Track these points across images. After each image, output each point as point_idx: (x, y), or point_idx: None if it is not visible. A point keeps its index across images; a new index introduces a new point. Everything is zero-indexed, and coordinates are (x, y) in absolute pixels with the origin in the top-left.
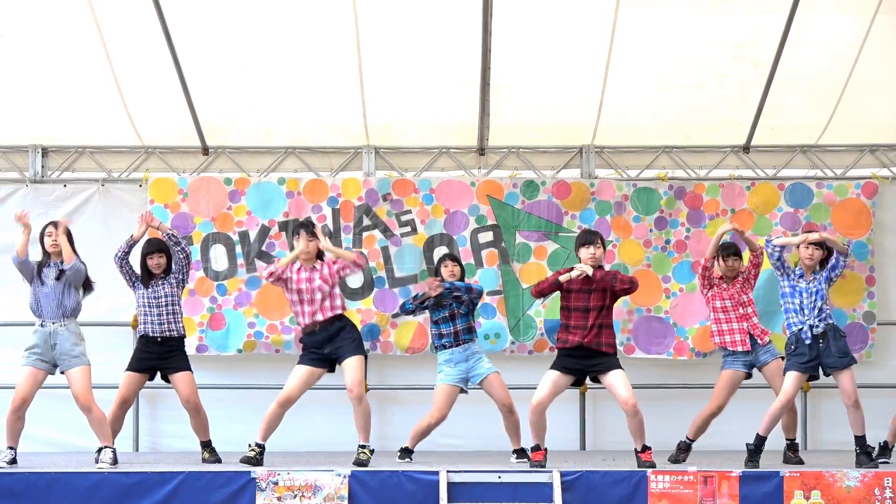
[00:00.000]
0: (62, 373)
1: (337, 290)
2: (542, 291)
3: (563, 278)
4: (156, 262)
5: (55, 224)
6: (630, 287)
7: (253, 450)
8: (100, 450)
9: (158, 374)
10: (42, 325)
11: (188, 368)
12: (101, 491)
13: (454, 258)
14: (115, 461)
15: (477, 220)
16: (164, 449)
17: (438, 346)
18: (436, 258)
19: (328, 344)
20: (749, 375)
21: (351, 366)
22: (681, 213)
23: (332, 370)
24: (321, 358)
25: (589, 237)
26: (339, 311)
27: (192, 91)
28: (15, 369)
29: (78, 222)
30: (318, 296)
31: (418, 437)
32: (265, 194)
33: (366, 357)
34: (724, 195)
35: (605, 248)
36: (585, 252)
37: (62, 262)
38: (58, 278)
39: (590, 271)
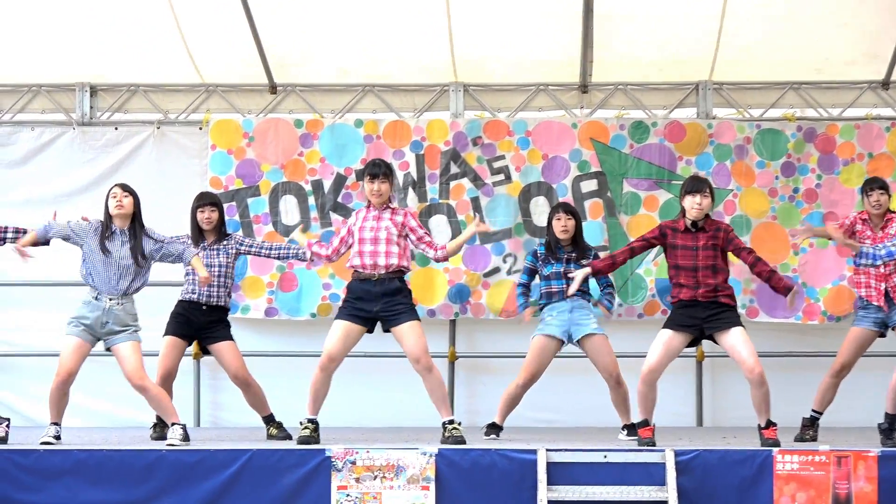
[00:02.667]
0: (107, 349)
1: (407, 246)
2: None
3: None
4: (207, 216)
5: (122, 187)
6: (752, 266)
7: (307, 427)
8: (155, 425)
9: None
10: (96, 299)
11: (231, 338)
12: (158, 470)
13: (568, 209)
14: (186, 438)
15: (579, 166)
16: (228, 424)
17: (544, 304)
18: (532, 210)
19: (381, 300)
20: (882, 335)
21: (414, 332)
22: (811, 158)
23: (371, 331)
24: (365, 316)
25: (695, 185)
26: (403, 270)
27: (259, 22)
28: (58, 335)
29: (130, 169)
30: (383, 235)
31: (508, 405)
32: (340, 138)
33: None
34: (860, 137)
35: (713, 198)
36: (690, 201)
37: (131, 231)
38: (129, 245)
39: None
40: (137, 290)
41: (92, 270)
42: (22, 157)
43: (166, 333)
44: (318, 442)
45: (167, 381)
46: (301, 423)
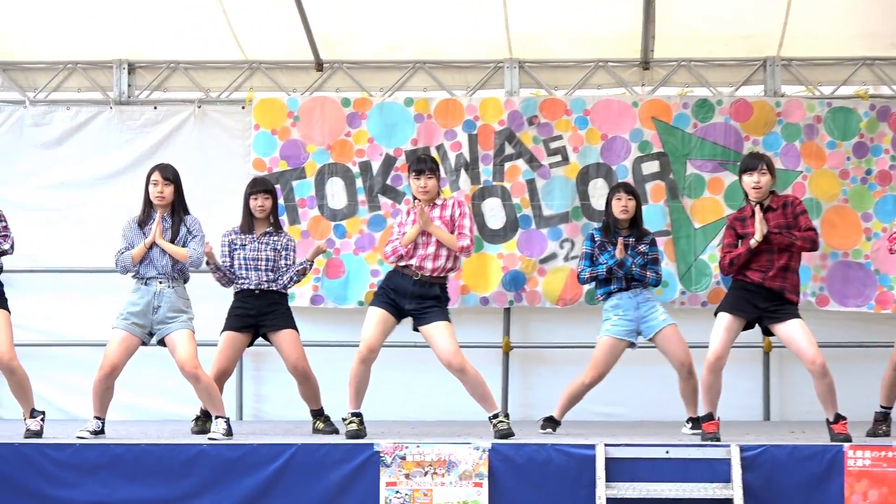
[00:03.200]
0: (160, 342)
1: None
2: (737, 265)
3: (753, 244)
4: (260, 203)
5: (162, 171)
6: (806, 247)
7: (352, 421)
8: (197, 418)
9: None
10: (145, 284)
11: (294, 327)
12: (199, 466)
13: (629, 189)
14: (229, 432)
15: (640, 146)
16: (271, 417)
17: (603, 295)
18: (591, 192)
19: (416, 300)
20: None
21: (446, 332)
22: (884, 138)
23: (397, 323)
24: (398, 307)
25: (750, 162)
26: (450, 270)
27: None
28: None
29: (170, 151)
30: (434, 239)
31: (570, 402)
32: (390, 117)
33: None
34: None
35: (773, 174)
36: (748, 181)
37: (172, 217)
38: (171, 234)
39: (761, 232)
40: (184, 271)
41: (147, 255)
42: (57, 137)
43: (223, 330)
44: (364, 436)
45: (220, 379)
46: (344, 419)
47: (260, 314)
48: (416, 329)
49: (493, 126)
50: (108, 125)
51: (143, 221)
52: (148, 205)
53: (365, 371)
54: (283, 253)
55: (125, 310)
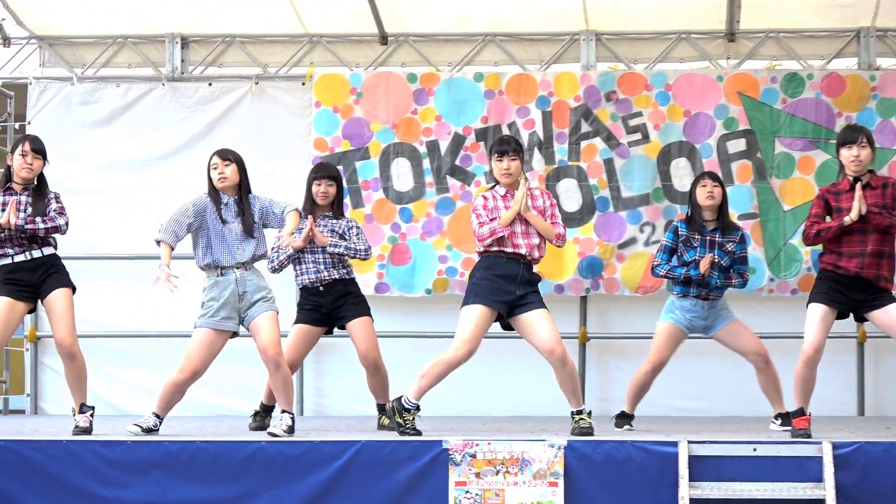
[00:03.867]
0: (248, 329)
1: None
2: (824, 238)
3: (847, 220)
4: (323, 189)
5: (222, 154)
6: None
7: (411, 413)
8: (256, 413)
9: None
10: (222, 274)
11: (368, 314)
12: (257, 464)
13: (714, 176)
14: (291, 430)
15: (725, 123)
16: (333, 413)
17: (679, 293)
18: (673, 172)
19: (524, 286)
20: None
21: (549, 319)
22: None
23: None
24: (504, 300)
25: (850, 135)
26: (539, 257)
27: None
28: (155, 315)
29: (225, 130)
30: (521, 226)
31: (638, 393)
32: (459, 94)
33: None
34: None
35: (873, 148)
36: (847, 154)
37: (240, 200)
38: (241, 216)
39: (859, 210)
40: (260, 258)
41: (211, 245)
42: (107, 115)
43: (295, 322)
44: (419, 433)
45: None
46: (406, 409)
47: (331, 309)
48: (507, 319)
49: (569, 102)
50: (160, 103)
51: (219, 207)
52: (215, 190)
53: (444, 374)
54: (347, 234)
55: (208, 306)
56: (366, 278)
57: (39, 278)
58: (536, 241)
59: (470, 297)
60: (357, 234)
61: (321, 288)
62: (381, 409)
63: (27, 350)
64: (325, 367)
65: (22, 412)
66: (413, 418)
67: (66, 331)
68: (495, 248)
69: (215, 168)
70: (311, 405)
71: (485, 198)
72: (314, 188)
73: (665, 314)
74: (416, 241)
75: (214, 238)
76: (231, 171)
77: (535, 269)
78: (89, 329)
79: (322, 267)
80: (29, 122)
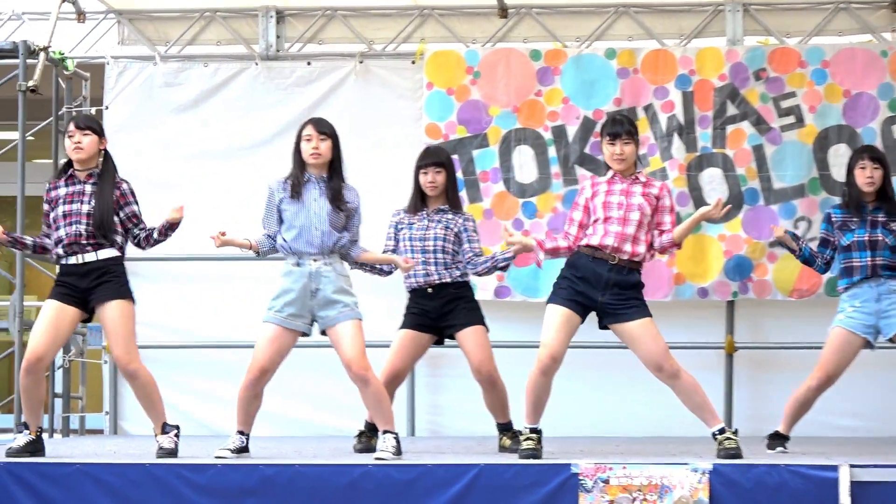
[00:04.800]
0: (323, 332)
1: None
2: None
3: None
4: (430, 178)
5: (317, 125)
6: None
7: (528, 438)
8: (360, 434)
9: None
10: (298, 265)
11: (481, 322)
12: (364, 490)
13: (874, 155)
14: (398, 451)
15: (891, 104)
16: (449, 432)
17: (845, 286)
18: (831, 161)
19: (611, 291)
20: None
21: (649, 333)
22: None
23: (582, 321)
24: (585, 303)
25: None
26: (644, 260)
27: None
28: (247, 322)
29: (326, 114)
30: (636, 216)
31: (796, 413)
32: (588, 72)
33: None
34: None
35: None
36: None
37: (329, 180)
38: (330, 199)
39: None
40: (345, 247)
41: (287, 230)
42: (193, 99)
43: (400, 327)
44: (539, 456)
45: (392, 383)
46: (519, 434)
47: (439, 315)
48: (605, 327)
49: (713, 82)
50: (253, 84)
51: (296, 185)
52: (301, 166)
53: (546, 384)
54: (464, 235)
55: (277, 298)
56: (485, 281)
57: (89, 285)
58: (632, 233)
59: (549, 295)
60: (474, 230)
61: (430, 290)
62: (503, 428)
63: (105, 362)
64: (442, 382)
65: (100, 432)
66: (537, 440)
67: (120, 348)
68: (584, 244)
69: (308, 140)
70: (425, 424)
71: (590, 187)
72: (421, 178)
73: (834, 320)
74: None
75: (292, 223)
76: (326, 147)
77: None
78: (172, 339)
79: (433, 268)
80: (106, 107)
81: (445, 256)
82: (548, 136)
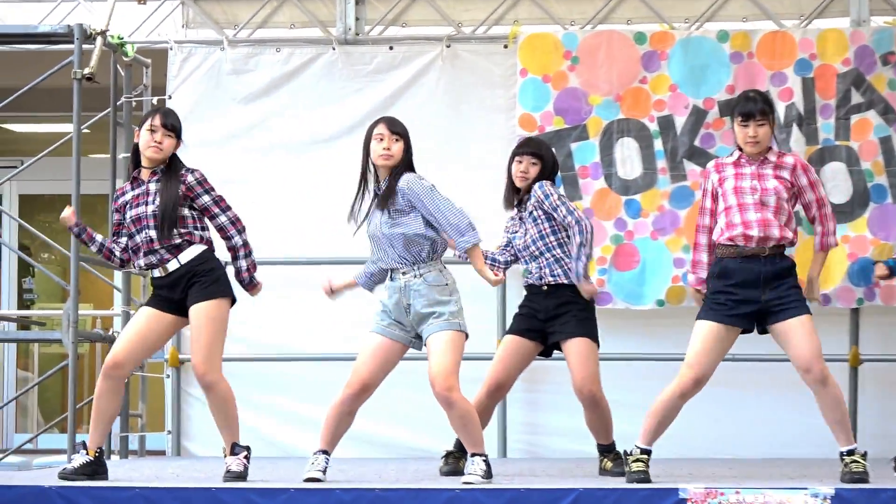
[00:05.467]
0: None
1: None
2: None
3: None
4: (524, 168)
5: (390, 124)
6: None
7: (639, 459)
8: (448, 454)
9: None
10: (392, 279)
11: (589, 335)
12: None
13: None
14: (488, 474)
15: None
16: (546, 454)
17: None
18: None
19: (769, 288)
20: None
21: (805, 330)
22: None
23: (749, 330)
24: (745, 312)
25: None
26: (788, 244)
27: None
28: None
29: (410, 104)
30: (772, 201)
31: None
32: (698, 57)
33: None
34: None
35: None
36: None
37: (391, 181)
38: (380, 207)
39: None
40: (433, 254)
41: (372, 244)
42: (263, 87)
43: (507, 332)
44: (649, 480)
45: (495, 395)
46: (629, 454)
47: (548, 318)
48: (764, 331)
49: (836, 67)
50: (330, 71)
51: (363, 195)
52: (367, 167)
53: (679, 407)
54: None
55: (381, 307)
56: None
57: (181, 294)
58: (772, 217)
59: (701, 310)
60: (580, 219)
61: (545, 288)
62: (604, 450)
63: (168, 377)
64: (540, 397)
65: (162, 453)
66: (644, 462)
67: (198, 355)
68: (726, 242)
69: (380, 139)
70: (519, 444)
71: (716, 170)
72: (514, 167)
73: None
74: (645, 241)
75: (373, 234)
76: (398, 148)
77: (787, 253)
78: (246, 351)
79: (546, 268)
80: (169, 97)
81: (552, 253)
82: (653, 127)
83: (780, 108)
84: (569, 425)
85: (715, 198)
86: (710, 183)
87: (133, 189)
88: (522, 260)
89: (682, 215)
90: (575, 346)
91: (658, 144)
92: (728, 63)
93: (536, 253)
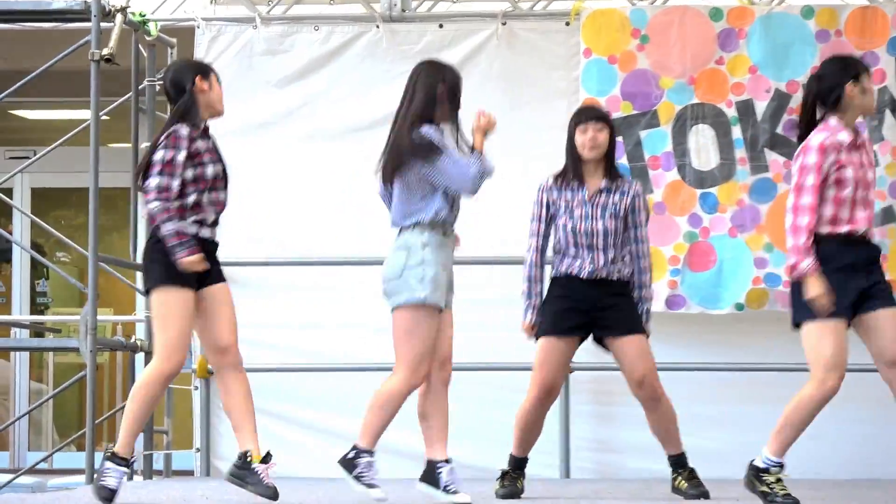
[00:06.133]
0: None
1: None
2: None
3: None
4: (591, 136)
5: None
6: None
7: (772, 475)
8: (505, 474)
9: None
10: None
11: (641, 330)
12: None
13: None
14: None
15: None
16: (614, 473)
17: None
18: None
19: (866, 270)
20: None
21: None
22: None
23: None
24: (849, 306)
25: None
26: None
27: None
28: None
29: (463, 85)
30: (862, 194)
31: None
32: (781, 35)
33: None
34: None
35: None
36: None
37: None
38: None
39: None
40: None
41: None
42: (301, 69)
43: (541, 334)
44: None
45: (544, 402)
46: (765, 470)
47: (595, 309)
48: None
49: None
50: (374, 52)
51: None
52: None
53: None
54: (631, 217)
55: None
56: (654, 289)
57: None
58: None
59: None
60: (644, 207)
61: (594, 278)
62: (676, 463)
63: (196, 388)
64: (608, 411)
65: (190, 473)
66: (779, 479)
67: (234, 335)
68: (826, 231)
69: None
70: (586, 461)
71: (822, 149)
72: (578, 139)
73: None
74: (723, 239)
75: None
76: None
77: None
78: (274, 359)
79: (601, 250)
80: None
81: (616, 248)
82: (731, 113)
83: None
84: (642, 441)
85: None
86: (815, 176)
87: (202, 140)
88: (572, 246)
89: (763, 210)
90: (630, 342)
91: (736, 132)
92: (813, 42)
93: (601, 245)
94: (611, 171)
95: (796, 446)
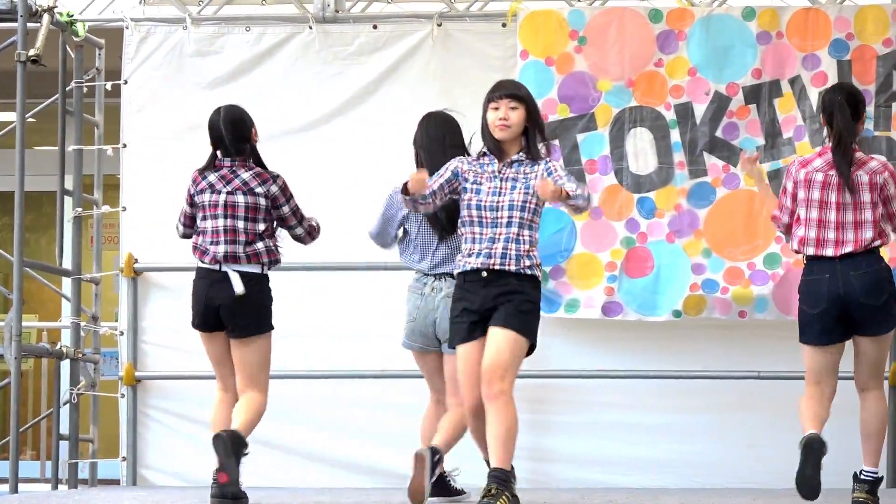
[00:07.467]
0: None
1: None
2: None
3: None
4: (503, 114)
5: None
6: None
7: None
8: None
9: None
10: None
11: (523, 330)
12: None
13: None
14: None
15: None
16: (548, 482)
17: None
18: None
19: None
20: None
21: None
22: None
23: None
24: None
25: None
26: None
27: None
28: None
29: (395, 89)
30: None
31: None
32: (720, 37)
33: None
34: None
35: None
36: None
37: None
38: None
39: None
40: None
41: None
42: (232, 70)
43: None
44: None
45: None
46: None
47: (484, 308)
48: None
49: (875, 48)
50: (307, 53)
51: None
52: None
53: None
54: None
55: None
56: (590, 296)
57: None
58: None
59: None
60: (567, 177)
61: (485, 274)
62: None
63: (122, 396)
64: (542, 420)
65: (116, 482)
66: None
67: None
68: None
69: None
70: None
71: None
72: (489, 114)
73: None
74: (660, 244)
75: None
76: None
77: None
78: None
79: (504, 236)
80: (125, 81)
81: (523, 230)
82: (670, 115)
83: (813, 95)
84: (576, 450)
85: (794, 198)
86: (788, 195)
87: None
88: (476, 222)
89: (701, 215)
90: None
91: (675, 135)
92: (754, 44)
93: (503, 214)
94: (534, 152)
95: (735, 456)
